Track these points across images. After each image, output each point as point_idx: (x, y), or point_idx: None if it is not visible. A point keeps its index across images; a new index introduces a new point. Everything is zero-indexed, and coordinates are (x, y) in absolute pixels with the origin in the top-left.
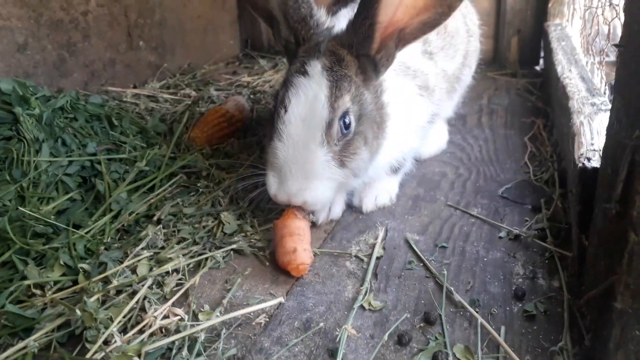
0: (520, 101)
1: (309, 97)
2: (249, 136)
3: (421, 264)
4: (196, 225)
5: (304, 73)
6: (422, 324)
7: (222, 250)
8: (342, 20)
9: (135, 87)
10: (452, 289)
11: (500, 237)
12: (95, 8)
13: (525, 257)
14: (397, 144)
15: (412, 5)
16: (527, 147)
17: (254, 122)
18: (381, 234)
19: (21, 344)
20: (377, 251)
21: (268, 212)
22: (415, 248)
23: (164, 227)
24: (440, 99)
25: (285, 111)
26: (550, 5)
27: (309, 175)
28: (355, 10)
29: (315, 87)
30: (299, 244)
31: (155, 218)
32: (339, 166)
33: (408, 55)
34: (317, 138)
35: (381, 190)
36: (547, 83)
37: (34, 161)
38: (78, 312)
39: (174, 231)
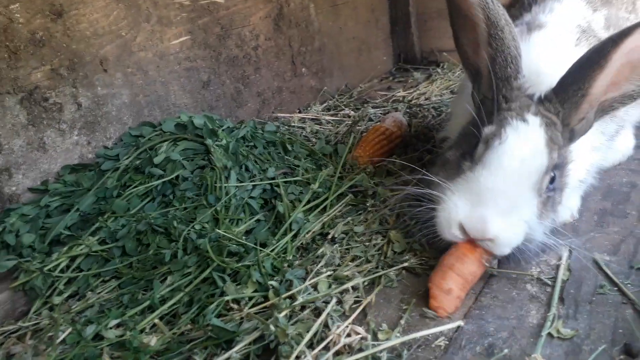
0: None
1: (529, 140)
2: (409, 152)
3: (615, 289)
4: (367, 244)
5: (525, 120)
6: (622, 357)
7: (394, 268)
8: None
9: (300, 111)
10: None
11: None
12: (263, 42)
13: None
14: (578, 165)
15: (613, 80)
16: None
17: (413, 137)
18: (565, 254)
19: (225, 355)
20: (563, 273)
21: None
22: (607, 270)
23: (338, 246)
24: (625, 112)
25: (501, 143)
26: None
27: (513, 211)
28: (564, 78)
29: (536, 135)
30: (459, 289)
31: (329, 237)
32: (538, 217)
33: None
34: (533, 180)
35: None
36: None
37: (225, 187)
38: (272, 327)
39: (347, 249)
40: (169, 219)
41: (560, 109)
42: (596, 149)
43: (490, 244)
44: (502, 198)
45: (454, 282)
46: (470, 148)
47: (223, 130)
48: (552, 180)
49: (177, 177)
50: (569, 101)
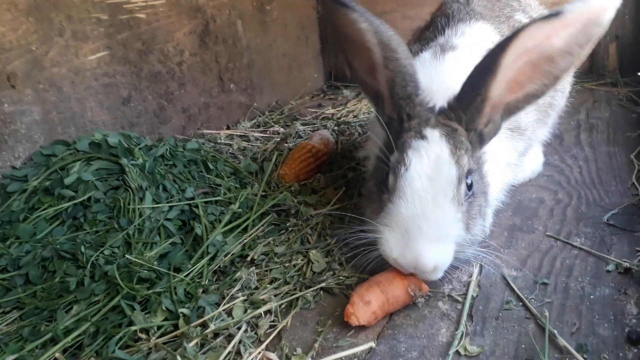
0: (623, 113)
1: (432, 157)
2: (335, 169)
3: (520, 304)
4: (286, 264)
5: (423, 137)
6: None
7: (312, 289)
8: (426, 67)
9: (228, 127)
10: (556, 331)
11: (608, 271)
12: (189, 58)
13: (639, 294)
14: (492, 184)
15: (516, 80)
16: (635, 165)
17: (339, 155)
18: (476, 271)
19: None
20: (473, 290)
21: (355, 246)
22: (513, 286)
23: (257, 268)
24: (532, 132)
25: (407, 169)
26: None
27: (441, 235)
28: (464, 84)
29: (437, 148)
30: (378, 307)
31: (249, 259)
32: (465, 229)
33: None
34: (449, 194)
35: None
36: None
37: (139, 208)
38: (179, 358)
39: (267, 271)
40: (77, 243)
41: (462, 115)
42: (509, 165)
43: (431, 272)
44: (427, 224)
45: (375, 297)
46: (383, 178)
47: (140, 148)
48: (470, 186)
49: (89, 198)
50: (470, 107)
